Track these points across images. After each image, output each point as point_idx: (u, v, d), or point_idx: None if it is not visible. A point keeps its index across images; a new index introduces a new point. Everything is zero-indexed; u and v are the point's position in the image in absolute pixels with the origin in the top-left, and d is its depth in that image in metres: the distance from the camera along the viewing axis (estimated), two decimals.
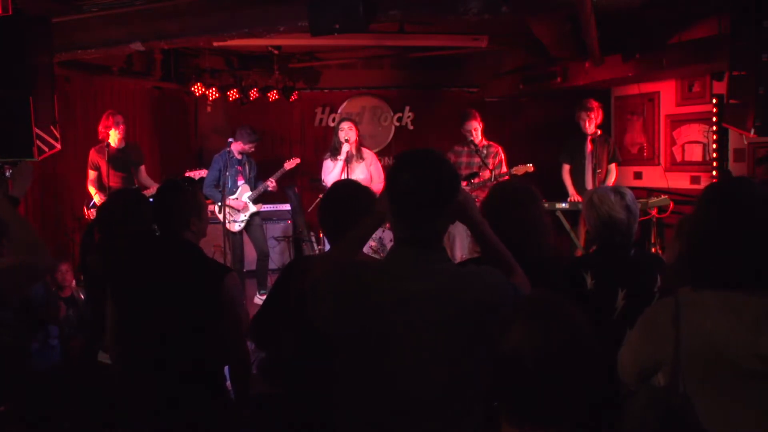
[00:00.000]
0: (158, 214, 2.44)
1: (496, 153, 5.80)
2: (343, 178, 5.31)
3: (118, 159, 5.63)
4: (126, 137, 5.81)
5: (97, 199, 5.65)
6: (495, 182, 5.52)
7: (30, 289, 2.96)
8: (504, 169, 5.73)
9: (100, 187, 5.67)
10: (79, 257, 3.27)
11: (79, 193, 6.02)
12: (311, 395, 2.22)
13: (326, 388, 1.83)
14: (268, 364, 2.60)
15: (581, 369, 1.17)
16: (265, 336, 2.49)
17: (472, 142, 5.79)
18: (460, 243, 5.59)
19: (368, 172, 5.53)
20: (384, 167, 5.88)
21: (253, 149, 6.05)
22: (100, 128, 5.66)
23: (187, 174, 5.78)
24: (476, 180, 5.68)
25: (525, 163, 5.59)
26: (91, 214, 5.66)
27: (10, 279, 1.94)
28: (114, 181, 5.61)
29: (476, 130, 5.77)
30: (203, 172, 5.90)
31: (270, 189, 6.05)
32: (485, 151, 5.77)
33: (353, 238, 1.83)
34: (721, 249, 1.64)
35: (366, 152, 5.69)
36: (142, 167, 5.89)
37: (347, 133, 5.50)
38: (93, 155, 5.69)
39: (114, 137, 5.64)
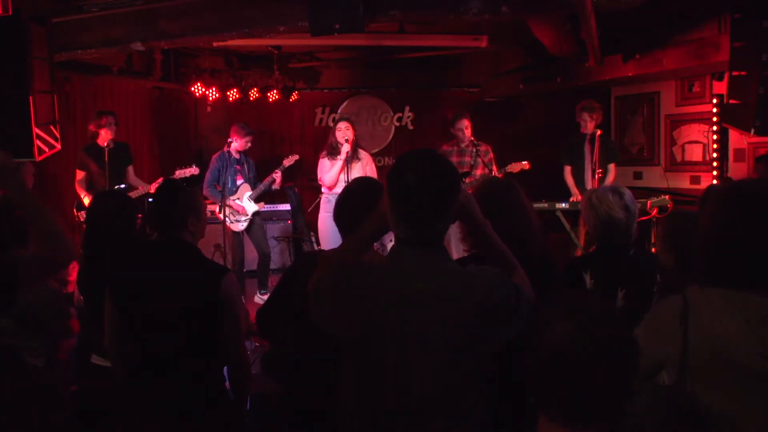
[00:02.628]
0: (156, 214, 2.43)
1: (487, 151, 5.81)
2: (342, 177, 5.32)
3: (108, 159, 5.55)
4: (116, 137, 5.72)
5: (87, 201, 5.56)
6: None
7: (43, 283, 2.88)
8: (494, 167, 5.73)
9: (89, 187, 5.61)
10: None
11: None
12: (315, 392, 2.22)
13: (330, 386, 1.83)
14: (273, 359, 2.60)
15: (622, 367, 1.19)
16: (271, 326, 2.49)
17: (471, 141, 5.79)
18: (455, 244, 5.58)
19: (364, 173, 5.54)
20: (385, 167, 5.88)
21: (250, 144, 6.04)
22: (92, 127, 5.60)
23: (177, 173, 5.75)
24: (468, 179, 5.68)
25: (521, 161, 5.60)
26: (82, 216, 5.59)
27: (28, 271, 1.91)
28: (104, 181, 5.55)
29: (467, 128, 5.78)
30: (194, 170, 5.86)
31: (276, 184, 6.03)
32: (475, 150, 5.78)
33: (357, 239, 1.83)
34: (733, 249, 1.64)
35: (362, 153, 5.69)
36: (130, 168, 5.84)
37: (345, 132, 5.49)
38: (82, 155, 5.62)
39: (104, 136, 5.57)
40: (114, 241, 2.77)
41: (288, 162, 6.12)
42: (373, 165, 5.74)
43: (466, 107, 6.39)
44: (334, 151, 5.50)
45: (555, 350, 1.19)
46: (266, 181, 6.01)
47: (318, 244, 6.12)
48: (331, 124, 8.04)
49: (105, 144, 5.55)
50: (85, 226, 4.25)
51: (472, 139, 5.81)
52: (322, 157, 5.61)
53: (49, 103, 4.05)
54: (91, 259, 2.89)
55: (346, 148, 5.43)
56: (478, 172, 5.67)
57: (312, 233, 7.13)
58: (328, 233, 5.24)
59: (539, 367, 1.22)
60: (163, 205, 2.41)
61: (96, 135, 5.60)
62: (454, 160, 5.82)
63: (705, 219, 1.73)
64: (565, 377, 1.19)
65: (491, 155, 5.81)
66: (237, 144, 5.91)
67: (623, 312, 2.39)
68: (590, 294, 1.31)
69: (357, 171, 5.50)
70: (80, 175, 5.64)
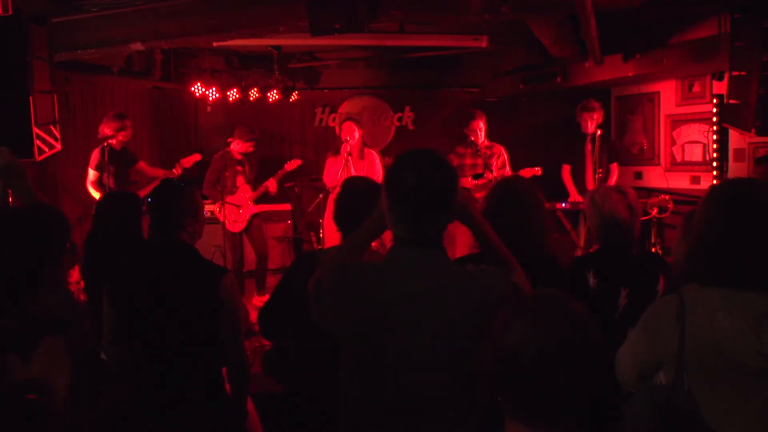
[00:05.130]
0: (154, 215, 2.43)
1: (499, 154, 5.79)
2: (342, 177, 5.32)
3: (121, 160, 5.53)
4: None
5: None
6: None
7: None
8: (508, 170, 5.72)
9: (102, 189, 5.56)
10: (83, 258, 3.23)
11: (79, 193, 6.00)
12: (316, 391, 2.22)
13: (331, 384, 1.83)
14: (274, 359, 2.60)
15: (583, 366, 1.17)
16: (272, 326, 2.49)
17: (473, 143, 5.78)
18: (459, 243, 5.58)
19: (365, 172, 5.54)
20: (386, 167, 5.86)
21: (251, 148, 6.03)
22: (110, 129, 5.47)
23: (182, 161, 5.70)
24: (480, 181, 5.68)
25: (527, 165, 5.60)
26: None
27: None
28: (115, 182, 5.49)
29: (481, 130, 5.77)
30: (197, 156, 5.81)
31: (270, 192, 6.04)
32: (489, 152, 5.77)
33: (357, 238, 1.83)
34: (729, 248, 1.64)
35: (367, 152, 5.70)
36: (142, 163, 5.80)
37: (347, 132, 5.53)
38: (97, 156, 5.51)
39: (122, 139, 5.50)
40: (117, 242, 2.77)
41: (290, 167, 6.11)
42: (378, 164, 5.73)
43: (466, 107, 6.38)
44: (337, 151, 5.56)
45: (511, 350, 1.18)
46: (263, 186, 6.00)
47: (320, 243, 6.12)
48: (332, 124, 8.08)
49: (112, 145, 5.47)
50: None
51: (485, 141, 5.80)
52: (329, 157, 5.68)
53: (49, 103, 4.04)
54: (94, 260, 2.89)
55: (345, 147, 5.47)
56: (489, 176, 5.66)
57: (312, 233, 7.13)
58: (334, 232, 5.25)
59: (498, 368, 1.21)
60: (160, 206, 2.41)
61: (113, 137, 5.45)
62: (467, 162, 5.82)
63: (701, 218, 1.73)
64: (524, 378, 1.18)
65: (504, 157, 5.79)
66: (237, 147, 5.92)
67: (623, 315, 2.40)
68: (565, 293, 1.27)
69: (360, 170, 5.52)
70: (95, 176, 5.50)
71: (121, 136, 5.51)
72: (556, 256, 2.52)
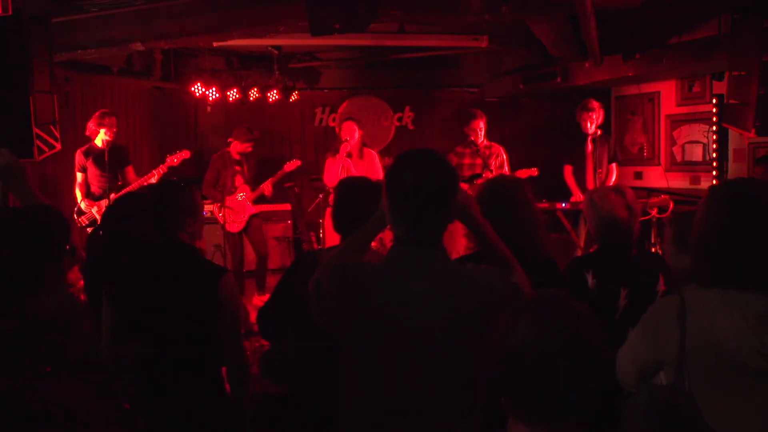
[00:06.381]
0: (154, 214, 2.43)
1: (498, 154, 5.80)
2: (341, 177, 5.33)
3: (104, 160, 5.38)
4: (115, 139, 5.54)
5: (83, 205, 5.44)
6: None
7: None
8: (506, 170, 5.73)
9: (87, 191, 5.48)
10: (85, 258, 3.22)
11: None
12: (314, 391, 2.22)
13: (330, 385, 1.83)
14: (272, 360, 2.60)
15: (584, 366, 1.17)
16: (272, 328, 2.49)
17: (473, 142, 5.79)
18: (459, 243, 5.59)
19: (365, 172, 5.55)
20: (383, 167, 5.88)
21: (250, 149, 6.03)
22: (92, 125, 5.43)
23: (168, 159, 5.61)
24: (479, 181, 5.68)
25: (527, 164, 5.60)
26: (83, 221, 5.44)
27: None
28: (100, 183, 5.42)
29: (481, 129, 5.78)
30: (185, 154, 5.71)
31: (266, 195, 6.03)
32: (488, 152, 5.77)
33: (356, 240, 1.83)
34: (730, 248, 1.64)
35: (368, 153, 5.71)
36: (130, 168, 5.67)
37: (347, 132, 5.55)
38: (80, 157, 5.47)
39: (102, 137, 5.41)
40: (117, 242, 2.77)
41: (289, 167, 6.11)
42: (378, 164, 5.73)
43: (467, 107, 6.39)
44: (337, 151, 5.59)
45: (512, 351, 1.19)
46: (260, 189, 5.99)
47: (320, 243, 6.12)
48: (332, 124, 8.08)
49: (102, 145, 5.41)
50: (90, 229, 4.13)
51: (485, 140, 5.80)
52: (328, 158, 5.69)
53: (49, 103, 4.03)
54: (94, 260, 2.89)
55: (345, 146, 5.49)
56: (489, 174, 5.67)
57: (312, 233, 7.13)
58: (334, 232, 5.27)
59: (499, 368, 1.22)
60: (160, 206, 2.41)
61: (95, 133, 5.44)
62: (466, 161, 5.83)
63: (701, 219, 1.73)
64: (526, 378, 1.18)
65: (503, 158, 5.79)
66: (236, 147, 5.92)
67: (623, 315, 2.40)
68: (566, 294, 1.28)
69: (360, 170, 5.53)
70: (81, 177, 5.50)
71: (102, 132, 5.40)
72: (552, 257, 2.51)
